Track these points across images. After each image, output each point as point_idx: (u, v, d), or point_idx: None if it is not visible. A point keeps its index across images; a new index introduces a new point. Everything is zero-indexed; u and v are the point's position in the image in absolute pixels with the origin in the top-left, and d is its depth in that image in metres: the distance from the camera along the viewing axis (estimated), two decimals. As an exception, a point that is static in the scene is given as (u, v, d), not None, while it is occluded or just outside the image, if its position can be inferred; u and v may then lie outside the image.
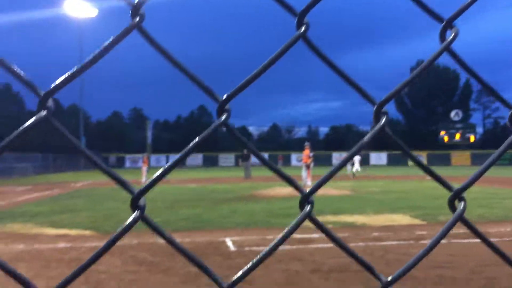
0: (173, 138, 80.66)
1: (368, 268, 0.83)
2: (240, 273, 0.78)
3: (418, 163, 0.87)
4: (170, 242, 0.77)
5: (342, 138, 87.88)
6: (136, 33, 0.74)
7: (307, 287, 6.07)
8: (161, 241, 7.05)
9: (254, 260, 0.76)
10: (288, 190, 20.94)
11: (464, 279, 6.39)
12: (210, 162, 68.66)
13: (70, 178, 32.30)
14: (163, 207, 14.87)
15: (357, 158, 32.55)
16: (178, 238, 8.80)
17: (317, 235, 9.60)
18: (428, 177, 0.91)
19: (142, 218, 0.75)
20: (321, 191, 11.52)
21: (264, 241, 9.06)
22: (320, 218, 8.81)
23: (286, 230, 0.76)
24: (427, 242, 0.98)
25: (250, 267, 0.76)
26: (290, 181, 0.82)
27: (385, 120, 0.80)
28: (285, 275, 6.47)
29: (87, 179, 29.87)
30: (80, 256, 8.00)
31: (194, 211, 13.72)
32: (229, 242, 9.05)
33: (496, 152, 0.86)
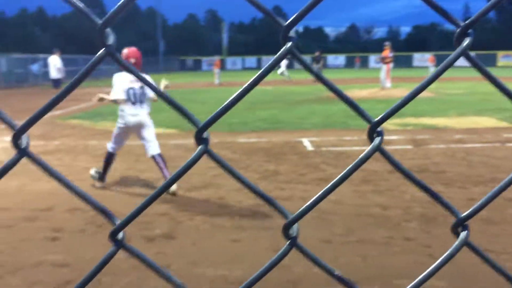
0: (248, 40, 80.00)
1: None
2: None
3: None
4: (235, 176, 0.74)
5: (425, 38, 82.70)
6: None
7: (384, 185, 6.12)
8: (240, 140, 7.34)
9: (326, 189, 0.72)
10: (366, 92, 20.47)
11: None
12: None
13: (154, 79, 33.50)
14: (242, 108, 15.14)
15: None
16: (255, 138, 9.08)
17: (395, 136, 9.46)
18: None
19: (207, 151, 0.71)
20: (399, 92, 11.34)
21: (341, 141, 9.09)
22: (400, 120, 8.72)
23: (352, 164, 0.71)
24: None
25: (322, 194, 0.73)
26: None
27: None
28: (363, 174, 6.53)
29: (174, 80, 30.91)
30: (166, 152, 8.50)
31: (271, 112, 13.91)
32: (306, 142, 9.18)
33: None
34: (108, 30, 0.65)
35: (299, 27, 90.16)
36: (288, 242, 0.73)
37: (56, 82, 18.62)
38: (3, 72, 31.15)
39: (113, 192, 6.25)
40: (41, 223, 5.05)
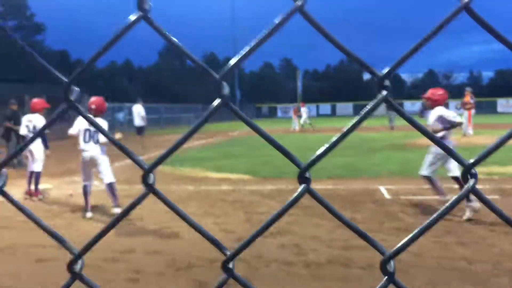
0: (323, 87, 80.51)
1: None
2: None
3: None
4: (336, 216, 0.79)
5: (509, 83, 78.82)
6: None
7: (469, 237, 5.79)
8: (316, 186, 7.27)
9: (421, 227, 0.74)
10: (446, 139, 19.68)
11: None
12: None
13: (227, 127, 34.51)
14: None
15: None
16: (331, 185, 8.92)
17: (480, 186, 8.97)
18: None
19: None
20: (482, 139, 10.77)
21: (420, 190, 8.76)
22: (485, 169, 8.22)
23: (443, 207, 0.74)
24: None
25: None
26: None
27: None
28: (445, 224, 6.23)
29: (241, 128, 31.63)
30: (241, 198, 8.65)
31: (347, 159, 13.75)
32: (383, 190, 8.96)
33: None
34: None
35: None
36: (385, 278, 0.75)
37: (140, 130, 19.68)
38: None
39: (190, 236, 6.41)
40: (122, 265, 5.27)
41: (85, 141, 7.56)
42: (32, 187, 9.24)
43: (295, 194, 0.75)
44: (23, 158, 11.99)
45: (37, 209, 8.24)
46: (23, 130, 9.66)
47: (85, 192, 7.65)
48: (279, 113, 68.52)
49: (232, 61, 0.74)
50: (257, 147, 18.54)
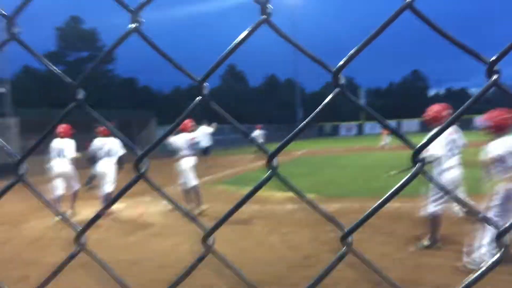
0: (387, 104, 78.84)
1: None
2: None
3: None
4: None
5: None
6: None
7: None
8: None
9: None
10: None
11: None
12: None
13: (290, 147, 34.54)
14: (383, 172, 14.76)
15: None
16: (399, 203, 8.59)
17: None
18: None
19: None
20: None
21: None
22: None
23: (396, 186, 0.85)
24: None
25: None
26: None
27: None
28: None
29: (304, 147, 31.53)
30: (306, 216, 8.61)
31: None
32: (455, 207, 8.58)
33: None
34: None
35: (441, 89, 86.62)
36: (344, 248, 0.91)
37: (206, 150, 20.16)
38: (159, 143, 34.71)
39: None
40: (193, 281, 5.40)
41: (58, 157, 10.00)
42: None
43: (262, 178, 0.92)
44: (94, 180, 12.61)
45: (110, 227, 8.65)
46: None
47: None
48: (343, 131, 67.73)
49: (213, 64, 0.87)
50: (321, 167, 18.44)
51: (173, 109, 57.02)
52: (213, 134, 21.65)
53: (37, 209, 10.19)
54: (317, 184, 12.81)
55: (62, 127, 10.23)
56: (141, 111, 39.00)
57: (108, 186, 9.95)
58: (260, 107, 60.52)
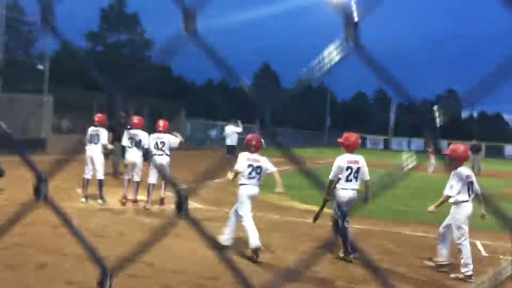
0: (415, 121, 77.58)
1: None
2: None
3: None
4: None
5: None
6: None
7: None
8: (406, 231, 6.94)
9: None
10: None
11: None
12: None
13: (315, 154, 34.32)
14: (409, 195, 14.54)
15: None
16: (422, 232, 8.44)
17: None
18: None
19: None
20: None
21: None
22: None
23: None
24: None
25: None
26: None
27: None
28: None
29: (329, 156, 31.26)
30: (326, 235, 8.46)
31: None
32: (479, 245, 8.40)
33: None
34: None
35: (474, 112, 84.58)
36: None
37: (231, 149, 20.13)
38: (187, 135, 34.98)
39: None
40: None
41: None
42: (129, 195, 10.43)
43: None
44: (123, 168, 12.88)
45: (130, 221, 8.78)
46: (125, 142, 10.73)
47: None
48: (368, 144, 66.99)
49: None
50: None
51: (205, 103, 57.34)
52: (240, 133, 21.62)
53: (64, 191, 10.42)
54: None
55: (98, 116, 10.64)
56: (171, 102, 39.32)
57: (137, 176, 10.52)
58: (290, 110, 60.11)
